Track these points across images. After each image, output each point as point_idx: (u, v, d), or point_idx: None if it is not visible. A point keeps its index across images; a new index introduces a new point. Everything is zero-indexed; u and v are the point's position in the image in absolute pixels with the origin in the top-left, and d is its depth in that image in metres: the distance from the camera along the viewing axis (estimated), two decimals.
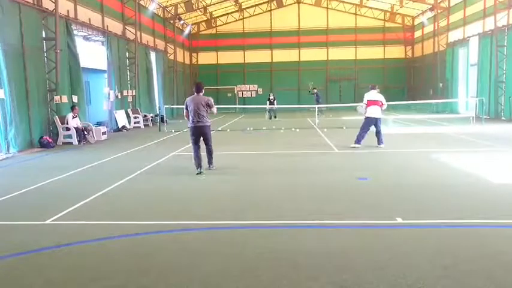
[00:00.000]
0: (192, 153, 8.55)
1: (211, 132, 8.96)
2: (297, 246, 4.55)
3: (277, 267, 4.01)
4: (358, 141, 11.75)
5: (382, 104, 11.69)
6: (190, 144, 8.72)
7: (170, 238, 4.97)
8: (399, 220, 5.30)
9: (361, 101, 12.47)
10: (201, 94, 8.52)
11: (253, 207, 6.17)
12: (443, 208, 5.88)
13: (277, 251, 4.40)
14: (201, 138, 8.66)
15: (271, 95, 24.38)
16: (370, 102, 11.65)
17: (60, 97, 15.12)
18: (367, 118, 11.70)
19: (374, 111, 11.59)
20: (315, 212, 5.84)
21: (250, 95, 37.64)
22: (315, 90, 25.51)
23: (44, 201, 6.77)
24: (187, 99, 8.58)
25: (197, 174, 8.28)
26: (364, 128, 11.79)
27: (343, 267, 3.97)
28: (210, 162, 8.85)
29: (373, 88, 11.94)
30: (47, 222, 5.57)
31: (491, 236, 4.80)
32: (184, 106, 8.68)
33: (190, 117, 8.42)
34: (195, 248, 4.57)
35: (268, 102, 23.97)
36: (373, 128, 11.81)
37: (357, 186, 7.36)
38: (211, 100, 8.57)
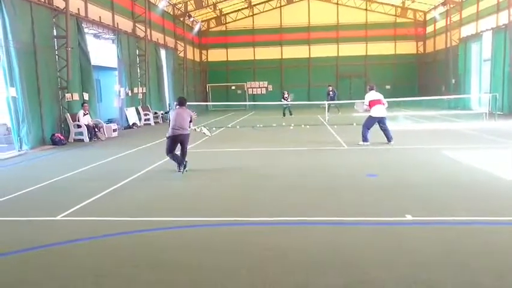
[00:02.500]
0: (170, 157, 8.64)
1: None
2: (304, 243, 4.53)
3: (284, 265, 4.00)
4: (365, 139, 11.67)
5: (384, 103, 11.60)
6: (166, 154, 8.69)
7: (175, 235, 4.99)
8: (409, 217, 5.25)
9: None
10: (184, 108, 8.82)
11: (259, 204, 6.16)
12: (454, 205, 5.81)
13: (284, 249, 4.39)
14: (177, 146, 8.74)
15: (286, 92, 24.36)
16: (374, 102, 11.54)
17: (72, 95, 15.28)
18: (371, 117, 11.61)
19: (379, 111, 11.49)
20: (322, 208, 5.82)
21: (260, 92, 37.58)
22: (331, 88, 25.18)
23: (55, 198, 6.85)
24: (173, 111, 8.89)
25: (183, 171, 8.44)
26: (367, 126, 11.71)
27: (351, 264, 3.94)
28: (184, 162, 8.69)
29: (372, 88, 11.88)
30: (58, 218, 5.64)
31: (503, 234, 4.73)
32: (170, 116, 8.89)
33: (171, 127, 8.55)
34: (199, 245, 4.58)
35: (282, 99, 23.99)
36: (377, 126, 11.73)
37: (365, 183, 7.30)
38: (193, 115, 8.94)
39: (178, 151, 8.69)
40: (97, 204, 6.34)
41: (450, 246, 4.33)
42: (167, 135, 8.66)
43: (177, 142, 8.57)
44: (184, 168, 8.50)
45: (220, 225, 5.27)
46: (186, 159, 8.66)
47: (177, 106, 8.85)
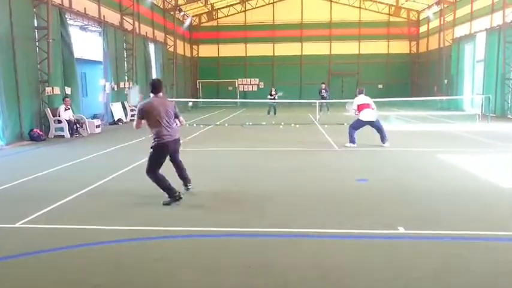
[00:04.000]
0: (154, 181, 5.91)
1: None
2: (286, 259, 4.07)
3: (262, 285, 3.53)
4: (351, 140, 11.28)
5: (373, 108, 11.22)
6: (149, 169, 5.91)
7: (151, 245, 4.50)
8: (401, 230, 4.81)
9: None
10: (161, 95, 5.98)
11: (237, 212, 5.66)
12: (449, 216, 5.39)
13: (264, 265, 3.92)
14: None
15: (273, 90, 23.52)
16: (362, 106, 11.17)
17: (52, 88, 14.65)
18: (359, 120, 11.23)
19: (367, 115, 11.09)
20: (305, 218, 5.36)
21: (251, 89, 37.07)
22: (323, 86, 24.57)
23: (18, 201, 6.31)
24: (146, 103, 5.88)
25: (176, 199, 5.87)
26: (354, 127, 11.34)
27: (334, 284, 3.49)
28: (187, 180, 6.54)
29: (361, 92, 11.52)
30: (16, 225, 5.11)
31: (503, 250, 4.32)
32: (138, 113, 5.85)
33: (155, 129, 5.81)
34: (176, 258, 4.10)
35: (269, 95, 23.10)
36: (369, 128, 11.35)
37: (355, 189, 6.87)
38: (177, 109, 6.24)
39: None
40: (64, 208, 5.81)
41: (446, 264, 3.90)
42: (153, 144, 5.88)
43: (166, 154, 6.01)
44: (189, 185, 6.46)
45: (193, 236, 4.79)
46: (188, 177, 6.47)
47: (152, 95, 5.93)
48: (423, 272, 3.76)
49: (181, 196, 5.91)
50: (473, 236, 4.69)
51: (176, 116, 6.12)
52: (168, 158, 6.13)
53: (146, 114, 5.80)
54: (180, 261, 4.07)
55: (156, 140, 5.85)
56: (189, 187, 6.50)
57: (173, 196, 5.82)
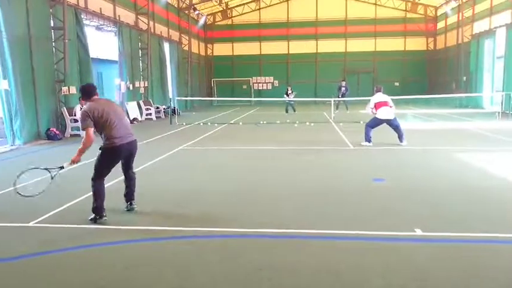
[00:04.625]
0: (95, 189, 5.20)
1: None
2: (299, 262, 3.97)
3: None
4: (367, 139, 11.09)
5: (391, 106, 10.99)
6: (95, 176, 5.27)
7: (158, 247, 4.46)
8: (418, 232, 4.67)
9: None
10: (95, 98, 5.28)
11: (252, 212, 5.58)
12: (469, 218, 5.21)
13: (276, 268, 3.83)
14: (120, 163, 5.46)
15: (289, 88, 23.56)
16: (379, 104, 10.97)
17: (69, 88, 14.81)
18: (376, 118, 11.05)
19: (385, 113, 10.88)
20: (320, 219, 5.25)
21: (265, 87, 36.95)
22: (344, 83, 24.22)
23: (33, 200, 6.34)
24: (93, 108, 5.09)
25: (98, 219, 5.15)
26: (370, 125, 11.15)
27: None
28: (131, 196, 5.62)
29: (379, 90, 11.30)
30: (30, 224, 5.14)
31: None
32: (87, 121, 5.06)
33: (112, 131, 5.11)
34: (187, 259, 4.05)
35: (285, 95, 23.19)
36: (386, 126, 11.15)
37: (371, 189, 6.72)
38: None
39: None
40: (76, 208, 5.83)
41: (466, 269, 3.76)
42: (103, 146, 5.20)
43: (121, 158, 5.34)
44: (131, 204, 5.56)
45: (204, 237, 4.73)
46: (133, 194, 5.60)
47: (87, 99, 5.23)
48: (441, 277, 3.62)
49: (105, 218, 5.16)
50: (494, 238, 4.51)
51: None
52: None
53: (98, 119, 5.08)
54: (193, 262, 4.01)
55: (107, 140, 5.18)
56: (134, 206, 5.56)
57: (100, 216, 5.14)
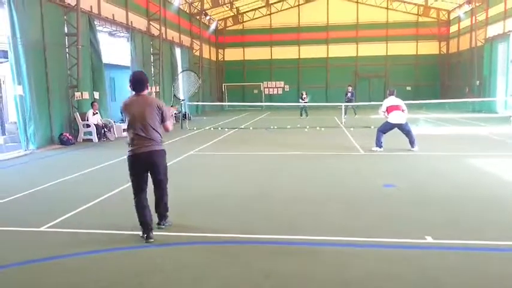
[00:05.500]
0: (134, 204, 4.77)
1: (167, 164, 5.03)
2: (308, 271, 3.94)
3: None
4: (378, 144, 11.00)
5: (403, 110, 10.89)
6: (130, 185, 4.85)
7: (162, 252, 4.48)
8: (429, 239, 4.61)
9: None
10: (146, 93, 4.80)
11: (260, 219, 5.56)
12: (481, 225, 5.13)
13: (284, 276, 3.82)
14: (147, 175, 4.83)
15: (304, 93, 23.90)
16: (391, 108, 10.87)
17: (82, 93, 15.01)
18: (387, 122, 10.96)
19: (396, 117, 10.78)
20: (329, 226, 5.21)
21: (276, 92, 36.98)
22: (350, 88, 24.26)
23: (45, 205, 6.44)
24: (122, 104, 4.84)
25: (144, 238, 4.68)
26: (382, 130, 11.05)
27: None
28: (162, 215, 5.10)
29: (391, 94, 11.19)
30: (42, 229, 5.21)
31: None
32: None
33: (129, 136, 4.73)
34: (199, 266, 4.06)
35: (300, 100, 23.62)
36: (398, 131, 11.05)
37: (381, 195, 6.66)
38: (165, 106, 4.84)
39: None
40: (87, 213, 5.89)
41: (479, 279, 3.69)
42: (126, 151, 4.82)
43: (139, 167, 4.71)
44: (163, 222, 5.08)
45: (211, 243, 4.74)
46: (167, 219, 5.10)
47: (133, 93, 4.75)
48: (451, 286, 3.56)
49: (151, 238, 4.63)
50: (507, 246, 4.43)
51: (163, 120, 4.79)
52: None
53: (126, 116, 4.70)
54: (206, 269, 4.02)
55: (128, 150, 4.74)
56: (164, 225, 5.07)
57: (147, 227, 4.68)
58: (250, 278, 3.80)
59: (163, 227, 5.06)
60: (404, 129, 10.94)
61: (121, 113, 4.92)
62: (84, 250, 4.50)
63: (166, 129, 4.91)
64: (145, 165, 4.71)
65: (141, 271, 3.97)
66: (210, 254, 4.41)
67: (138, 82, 4.67)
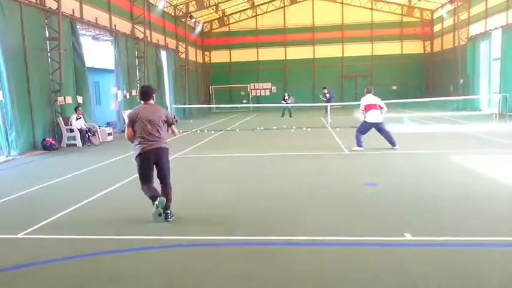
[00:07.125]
0: (144, 192, 5.63)
1: (170, 161, 5.84)
2: (286, 269, 3.93)
3: None
4: (358, 144, 11.00)
5: (381, 107, 10.88)
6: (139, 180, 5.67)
7: (162, 255, 4.42)
8: (408, 236, 4.63)
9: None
10: (152, 102, 5.71)
11: (240, 220, 5.54)
12: (460, 222, 5.17)
13: (261, 277, 3.80)
14: (154, 171, 5.65)
15: (286, 94, 24.07)
16: (369, 107, 10.84)
17: (64, 98, 14.82)
18: (365, 122, 10.93)
19: (374, 116, 10.74)
20: (310, 225, 5.20)
21: (263, 94, 37.03)
22: (325, 91, 24.43)
23: (23, 211, 6.32)
24: (132, 111, 5.73)
25: (157, 212, 5.44)
26: (360, 131, 11.04)
27: None
28: (168, 206, 5.57)
29: (369, 92, 11.13)
30: (19, 236, 5.11)
31: None
32: (127, 121, 5.83)
33: (136, 138, 5.59)
34: (197, 268, 4.01)
35: (282, 101, 23.72)
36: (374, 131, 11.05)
37: (362, 193, 6.69)
38: (170, 115, 5.90)
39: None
40: (66, 219, 5.80)
41: (456, 273, 3.71)
42: (134, 151, 5.67)
43: (147, 163, 5.54)
44: (166, 215, 5.50)
45: (196, 245, 4.70)
46: (170, 213, 5.53)
47: (141, 102, 5.73)
48: (430, 281, 3.58)
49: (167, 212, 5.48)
50: (486, 242, 4.47)
51: (169, 125, 5.78)
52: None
53: (133, 122, 5.57)
54: (200, 271, 3.98)
55: (135, 149, 5.62)
56: (170, 218, 5.51)
57: (153, 200, 5.45)
58: (228, 278, 3.77)
59: (170, 220, 5.51)
60: (381, 128, 10.91)
61: (128, 118, 5.76)
62: (62, 256, 4.42)
63: (174, 133, 6.07)
64: (154, 159, 5.58)
65: (115, 276, 3.91)
66: (189, 258, 4.36)
67: (145, 93, 5.73)
